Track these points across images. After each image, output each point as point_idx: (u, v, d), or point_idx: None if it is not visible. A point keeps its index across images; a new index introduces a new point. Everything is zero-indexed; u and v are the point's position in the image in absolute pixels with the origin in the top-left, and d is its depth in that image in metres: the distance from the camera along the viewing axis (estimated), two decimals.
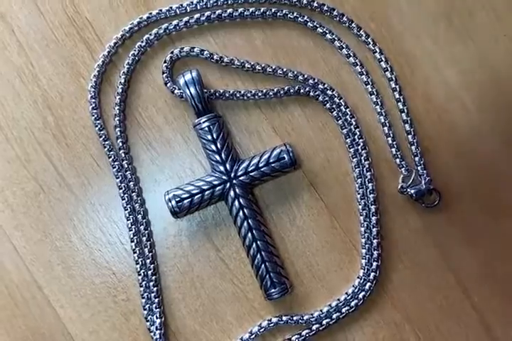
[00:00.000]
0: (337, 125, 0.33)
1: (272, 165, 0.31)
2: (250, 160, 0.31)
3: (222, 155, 0.31)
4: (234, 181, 0.31)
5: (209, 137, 0.31)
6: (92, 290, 0.32)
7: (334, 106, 0.32)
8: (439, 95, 0.33)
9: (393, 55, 0.33)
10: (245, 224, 0.31)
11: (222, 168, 0.31)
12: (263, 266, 0.31)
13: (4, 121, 0.33)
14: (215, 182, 0.31)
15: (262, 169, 0.31)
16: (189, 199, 0.31)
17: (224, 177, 0.31)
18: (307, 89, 0.32)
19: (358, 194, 0.32)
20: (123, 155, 0.32)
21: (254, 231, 0.31)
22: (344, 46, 0.32)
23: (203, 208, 0.32)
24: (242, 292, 0.32)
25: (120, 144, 0.32)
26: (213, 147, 0.31)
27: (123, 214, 0.32)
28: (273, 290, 0.30)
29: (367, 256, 0.32)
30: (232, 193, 0.31)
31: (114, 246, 0.32)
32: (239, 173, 0.31)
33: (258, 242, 0.31)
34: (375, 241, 0.32)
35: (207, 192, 0.31)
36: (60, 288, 0.32)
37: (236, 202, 0.31)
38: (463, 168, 0.33)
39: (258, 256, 0.31)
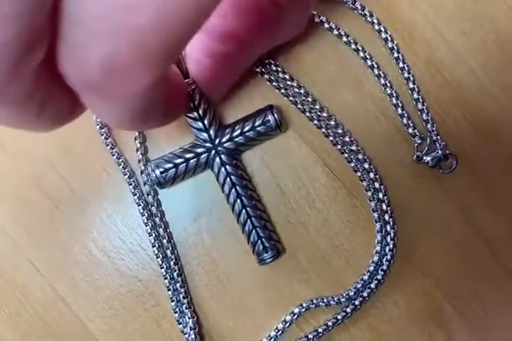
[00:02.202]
0: None
1: (257, 129, 0.30)
2: (234, 126, 0.30)
3: (205, 121, 0.29)
4: (219, 148, 0.30)
5: (190, 104, 0.29)
6: (119, 300, 0.32)
7: None
8: (443, 58, 0.32)
9: (391, 23, 0.32)
10: (233, 191, 0.30)
11: (205, 136, 0.30)
12: (254, 231, 0.30)
13: (8, 140, 0.32)
14: (199, 150, 0.30)
15: (247, 134, 0.30)
16: (174, 170, 0.30)
17: (208, 144, 0.30)
18: None
19: (375, 168, 0.31)
20: None
21: (243, 198, 0.30)
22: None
23: (189, 177, 0.31)
24: (270, 281, 0.31)
25: None
26: (195, 114, 0.29)
27: (140, 220, 0.32)
28: (265, 255, 0.30)
29: (383, 229, 0.31)
30: (217, 160, 0.30)
31: (136, 253, 0.32)
32: (223, 140, 0.30)
33: (248, 208, 0.30)
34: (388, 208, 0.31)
35: (191, 161, 0.30)
36: (87, 303, 0.32)
37: (222, 169, 0.30)
38: (476, 129, 0.32)
39: (248, 222, 0.30)
